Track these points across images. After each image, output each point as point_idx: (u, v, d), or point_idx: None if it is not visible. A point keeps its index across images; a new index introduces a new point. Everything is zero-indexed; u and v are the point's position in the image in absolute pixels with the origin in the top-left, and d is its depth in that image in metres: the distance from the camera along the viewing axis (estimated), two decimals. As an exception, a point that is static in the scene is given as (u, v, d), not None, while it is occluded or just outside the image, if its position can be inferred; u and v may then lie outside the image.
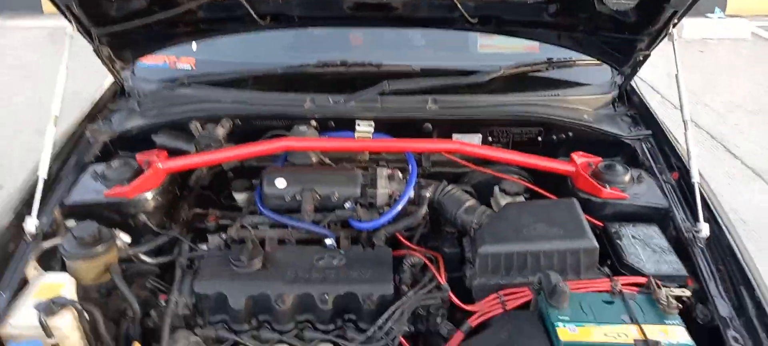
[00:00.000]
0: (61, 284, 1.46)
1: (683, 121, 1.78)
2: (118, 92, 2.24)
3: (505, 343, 1.35)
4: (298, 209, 1.77)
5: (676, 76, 1.83)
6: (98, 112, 2.14)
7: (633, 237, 1.68)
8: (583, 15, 1.91)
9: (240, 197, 1.97)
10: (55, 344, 1.37)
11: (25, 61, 6.65)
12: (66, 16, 1.80)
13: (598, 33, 1.98)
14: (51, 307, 1.36)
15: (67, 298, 1.41)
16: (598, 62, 2.21)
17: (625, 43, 1.98)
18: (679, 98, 1.81)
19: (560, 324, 1.36)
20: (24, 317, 1.38)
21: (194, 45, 2.29)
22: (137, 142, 2.00)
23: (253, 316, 1.54)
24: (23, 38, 7.49)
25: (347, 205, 1.77)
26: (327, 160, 1.93)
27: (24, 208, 1.65)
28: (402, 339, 1.52)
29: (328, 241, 1.70)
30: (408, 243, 1.77)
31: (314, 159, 1.93)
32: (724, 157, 4.66)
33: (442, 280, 1.60)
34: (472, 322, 1.52)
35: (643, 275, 1.53)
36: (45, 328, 1.34)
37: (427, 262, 1.64)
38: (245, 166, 2.05)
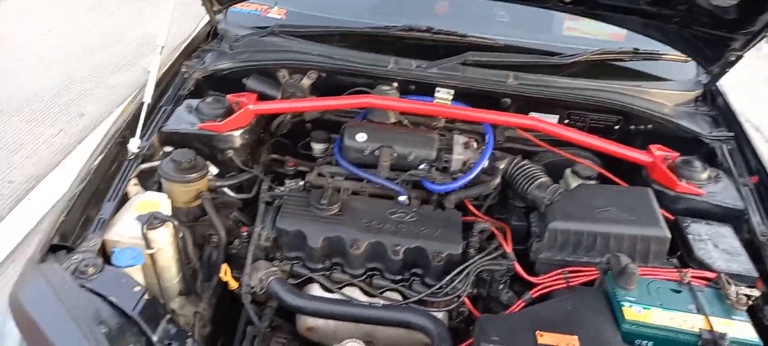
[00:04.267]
0: (159, 203, 1.59)
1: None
2: (211, 34, 2.35)
3: (569, 314, 1.39)
4: (375, 164, 1.85)
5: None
6: (192, 50, 2.26)
7: (705, 234, 1.68)
8: (681, 7, 1.88)
9: (318, 147, 2.06)
10: (152, 254, 1.50)
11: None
12: None
13: (693, 27, 1.95)
14: (152, 221, 1.49)
15: (166, 215, 1.53)
16: (685, 58, 2.18)
17: (718, 40, 1.95)
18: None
19: (626, 304, 1.39)
20: (126, 227, 1.51)
21: None
22: (227, 82, 2.11)
23: (327, 257, 1.63)
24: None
25: (422, 166, 1.83)
26: (405, 122, 1.99)
27: (127, 130, 1.78)
28: (466, 299, 1.58)
29: (402, 198, 1.77)
30: (475, 211, 1.82)
31: (393, 119, 2.00)
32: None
33: (509, 249, 1.65)
34: (534, 293, 1.57)
35: (712, 270, 1.54)
36: (146, 239, 1.47)
37: (494, 231, 1.69)
38: (324, 119, 2.13)
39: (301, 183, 1.86)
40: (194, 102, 1.95)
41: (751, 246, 1.64)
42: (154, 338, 1.24)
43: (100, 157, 1.66)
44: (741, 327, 1.37)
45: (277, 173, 2.00)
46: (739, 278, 1.52)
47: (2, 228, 3.07)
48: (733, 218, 1.73)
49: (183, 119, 1.89)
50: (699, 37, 2.01)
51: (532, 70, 2.07)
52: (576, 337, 1.30)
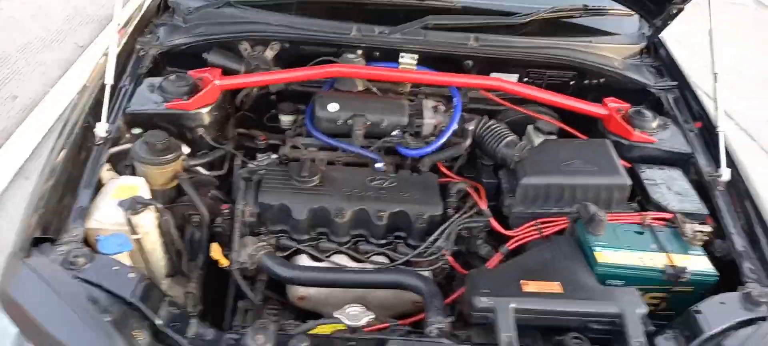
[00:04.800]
0: (137, 186, 1.57)
1: (712, 73, 1.90)
2: (162, 7, 2.27)
3: (548, 262, 1.51)
4: (347, 133, 1.88)
5: (709, 31, 1.94)
6: (145, 26, 2.18)
7: (659, 178, 1.83)
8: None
9: (286, 119, 2.06)
10: (137, 239, 1.48)
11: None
12: None
13: None
14: (135, 206, 1.47)
15: (147, 198, 1.52)
16: (629, 13, 2.30)
17: (659, -6, 2.08)
18: (711, 52, 1.93)
19: (597, 248, 1.51)
20: (107, 214, 1.49)
21: None
22: (185, 57, 2.06)
23: (312, 227, 1.67)
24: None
25: (395, 132, 1.88)
26: (374, 89, 2.03)
27: (91, 115, 1.72)
28: (449, 257, 1.67)
29: (379, 165, 1.82)
30: (448, 172, 1.90)
31: (360, 87, 2.02)
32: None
33: (484, 206, 1.74)
34: (510, 245, 1.67)
35: (668, 211, 1.69)
36: (131, 224, 1.45)
37: (469, 190, 1.77)
38: (289, 90, 2.13)
39: (274, 156, 1.87)
40: (156, 80, 1.90)
41: (700, 186, 1.80)
42: (158, 322, 1.25)
43: (66, 145, 1.61)
44: (698, 261, 1.53)
45: (247, 148, 2.00)
46: (691, 217, 1.67)
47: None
48: (682, 162, 1.89)
49: (147, 99, 1.85)
50: (643, -10, 2.14)
51: (490, 31, 2.14)
52: (558, 283, 1.41)
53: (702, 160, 1.86)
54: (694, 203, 1.73)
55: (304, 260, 1.65)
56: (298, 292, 1.63)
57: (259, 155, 1.87)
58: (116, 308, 1.23)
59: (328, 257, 1.64)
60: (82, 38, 4.80)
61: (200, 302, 1.61)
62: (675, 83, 2.17)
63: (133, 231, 1.46)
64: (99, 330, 1.17)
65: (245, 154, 1.93)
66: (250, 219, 1.65)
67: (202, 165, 1.84)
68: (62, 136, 1.66)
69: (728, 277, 1.52)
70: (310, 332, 1.36)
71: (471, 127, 1.90)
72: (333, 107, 1.87)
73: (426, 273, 1.62)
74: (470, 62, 2.11)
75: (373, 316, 1.36)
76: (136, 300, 1.25)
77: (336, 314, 1.35)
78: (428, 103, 1.94)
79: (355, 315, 1.34)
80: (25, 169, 3.32)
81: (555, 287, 1.40)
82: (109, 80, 1.73)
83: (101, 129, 1.67)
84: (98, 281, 1.28)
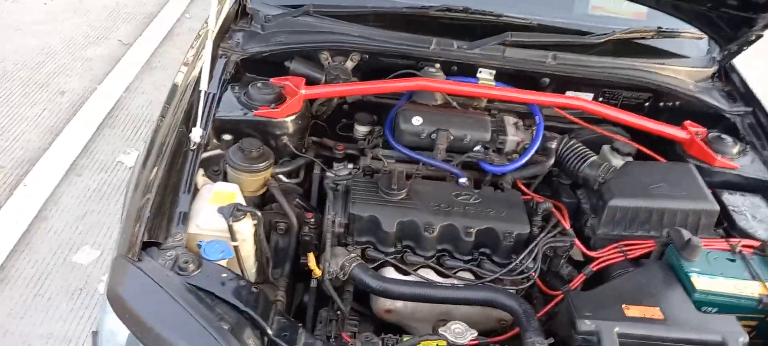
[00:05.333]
0: (234, 193, 1.58)
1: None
2: (240, 13, 2.29)
3: (644, 287, 1.50)
4: (428, 146, 1.89)
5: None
6: (225, 32, 2.20)
7: (742, 205, 1.82)
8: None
9: (362, 130, 2.08)
10: (235, 246, 1.50)
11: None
12: None
13: (720, 9, 2.05)
14: (236, 213, 1.48)
15: (247, 206, 1.53)
16: (700, 35, 2.29)
17: (741, 20, 2.07)
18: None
19: (694, 274, 1.51)
20: (206, 219, 1.50)
21: None
22: (264, 64, 2.08)
23: (398, 240, 1.68)
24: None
25: (477, 148, 1.89)
26: (454, 103, 2.03)
27: (183, 120, 1.74)
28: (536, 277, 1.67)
29: (462, 180, 1.83)
30: (527, 190, 1.90)
31: (440, 100, 2.03)
32: None
33: (568, 226, 1.74)
34: (593, 267, 1.67)
35: (755, 239, 1.68)
36: (232, 231, 1.47)
37: (554, 210, 1.77)
38: (364, 101, 2.14)
39: (350, 166, 1.88)
40: (241, 87, 1.92)
41: (783, 215, 1.80)
42: (270, 332, 1.26)
43: (164, 150, 1.62)
44: (791, 290, 1.52)
45: (325, 157, 2.01)
46: (778, 246, 1.66)
47: (1, 217, 2.94)
48: (763, 189, 1.88)
49: (233, 105, 1.87)
50: (722, 16, 2.13)
51: (566, 50, 2.14)
52: (658, 308, 1.41)
53: None
54: (780, 232, 1.72)
55: (390, 273, 1.65)
56: (385, 305, 1.63)
57: (335, 165, 1.89)
58: (231, 316, 1.25)
59: (415, 270, 1.65)
60: (125, 35, 4.85)
61: (287, 310, 1.62)
62: (749, 109, 2.16)
63: (233, 238, 1.48)
64: (219, 338, 1.18)
65: (322, 163, 1.94)
66: (339, 230, 1.66)
67: (284, 173, 1.85)
68: (156, 143, 1.67)
69: None
70: (415, 346, 1.36)
71: (553, 145, 1.90)
72: (417, 121, 1.88)
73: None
74: (547, 80, 2.11)
75: (476, 333, 1.37)
76: (250, 309, 1.26)
77: (441, 331, 1.35)
78: (510, 120, 1.94)
79: (460, 332, 1.34)
80: (76, 165, 3.36)
81: (656, 312, 1.40)
82: (204, 86, 1.75)
83: (196, 134, 1.68)
84: (209, 287, 1.29)
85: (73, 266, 2.70)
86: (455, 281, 1.63)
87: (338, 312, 1.61)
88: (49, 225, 2.90)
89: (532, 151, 1.87)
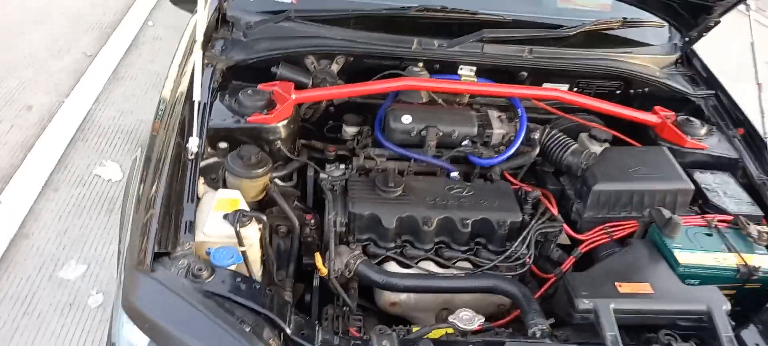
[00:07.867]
0: (238, 199, 1.61)
1: (757, 84, 2.04)
2: (220, 21, 2.30)
3: (632, 264, 1.61)
4: (419, 144, 1.96)
5: (751, 43, 2.07)
6: (207, 40, 2.21)
7: (713, 183, 1.95)
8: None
9: (350, 130, 2.12)
10: (243, 251, 1.53)
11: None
12: None
13: None
14: (241, 218, 1.52)
15: (251, 211, 1.57)
16: (661, 23, 2.43)
17: (700, 8, 2.20)
18: (754, 63, 2.07)
19: (677, 250, 1.62)
20: (213, 227, 1.53)
21: None
22: (249, 70, 2.10)
23: (398, 235, 1.74)
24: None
25: (465, 143, 1.96)
26: (440, 100, 2.10)
27: (179, 130, 1.75)
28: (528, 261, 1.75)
29: (454, 174, 1.90)
30: (513, 179, 1.99)
31: (425, 98, 2.10)
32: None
33: (556, 212, 1.84)
34: (582, 249, 1.77)
35: (728, 213, 1.81)
36: (239, 237, 1.50)
37: (542, 198, 1.86)
38: (350, 102, 2.19)
39: (342, 166, 1.93)
40: (230, 94, 1.94)
41: (750, 189, 1.93)
42: (289, 331, 1.30)
43: (163, 162, 1.64)
44: (763, 259, 1.65)
45: (316, 159, 2.05)
46: (749, 218, 1.79)
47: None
48: (730, 166, 2.01)
49: (225, 113, 1.89)
50: (682, 4, 2.26)
51: (541, 43, 2.24)
52: (648, 283, 1.51)
53: (750, 165, 1.99)
54: (749, 206, 1.85)
55: (393, 267, 1.71)
56: (390, 298, 1.69)
57: (328, 166, 1.93)
58: (250, 318, 1.28)
59: (417, 263, 1.71)
60: (88, 46, 4.75)
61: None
62: (712, 92, 2.30)
63: (241, 243, 1.51)
64: (243, 340, 1.21)
65: (317, 163, 1.98)
66: (341, 229, 1.71)
67: (280, 177, 1.89)
68: (153, 158, 1.68)
69: None
70: (426, 336, 1.42)
71: (537, 136, 1.99)
72: (407, 119, 1.94)
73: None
74: (525, 73, 2.20)
75: (483, 319, 1.44)
76: (268, 311, 1.30)
77: (451, 319, 1.42)
78: (494, 114, 2.02)
79: (468, 319, 1.41)
80: (52, 180, 3.29)
81: (646, 287, 1.50)
82: (197, 97, 1.76)
83: (193, 143, 1.70)
84: (225, 292, 1.32)
85: (60, 282, 2.66)
86: (455, 271, 1.70)
87: (345, 308, 1.66)
88: (31, 242, 2.85)
89: (518, 143, 1.96)
